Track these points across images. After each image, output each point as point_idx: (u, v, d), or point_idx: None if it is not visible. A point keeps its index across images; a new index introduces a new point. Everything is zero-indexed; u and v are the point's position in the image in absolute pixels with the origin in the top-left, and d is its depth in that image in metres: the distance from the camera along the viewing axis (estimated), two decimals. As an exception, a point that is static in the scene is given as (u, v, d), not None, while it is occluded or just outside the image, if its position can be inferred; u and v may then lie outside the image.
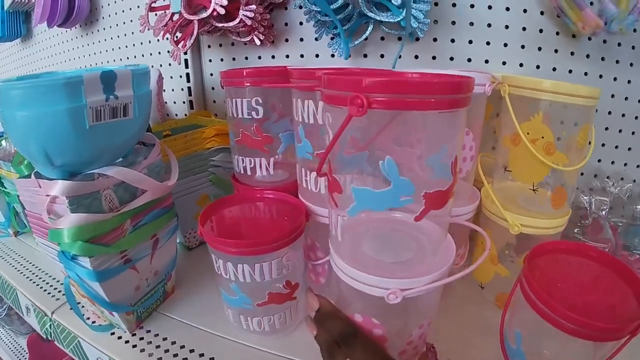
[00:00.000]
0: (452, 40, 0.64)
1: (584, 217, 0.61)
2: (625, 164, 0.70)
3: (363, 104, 0.31)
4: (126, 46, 0.83)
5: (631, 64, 0.65)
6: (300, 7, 0.60)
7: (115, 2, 0.79)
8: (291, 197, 0.52)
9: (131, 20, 0.79)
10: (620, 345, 0.37)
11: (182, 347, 0.51)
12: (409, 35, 0.62)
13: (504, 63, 0.65)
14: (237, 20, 0.61)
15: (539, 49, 0.64)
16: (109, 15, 0.82)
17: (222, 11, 0.57)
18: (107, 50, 0.85)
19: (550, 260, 0.47)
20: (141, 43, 0.80)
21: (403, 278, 0.38)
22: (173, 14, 0.60)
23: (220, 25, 0.61)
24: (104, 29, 0.85)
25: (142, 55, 0.80)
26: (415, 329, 0.43)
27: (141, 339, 0.53)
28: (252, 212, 0.53)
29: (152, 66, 0.77)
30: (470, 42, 0.64)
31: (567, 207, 0.55)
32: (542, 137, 0.50)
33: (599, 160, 0.70)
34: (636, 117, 0.68)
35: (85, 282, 0.48)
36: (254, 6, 0.61)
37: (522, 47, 0.64)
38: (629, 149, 0.69)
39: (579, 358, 0.40)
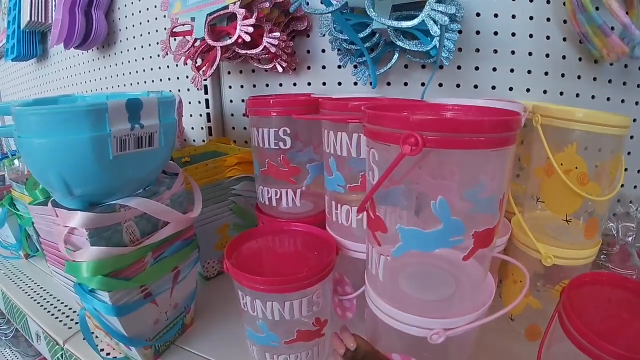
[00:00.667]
0: (477, 68, 0.62)
1: (611, 244, 0.59)
2: (649, 189, 0.68)
3: (418, 143, 0.29)
4: (144, 70, 0.81)
5: (655, 88, 0.64)
6: (324, 35, 0.59)
7: (133, 26, 0.78)
8: (320, 230, 0.49)
9: (149, 45, 0.77)
10: None
11: None
12: (434, 63, 0.60)
13: (528, 90, 0.63)
14: (261, 47, 0.59)
15: (563, 75, 0.63)
16: (127, 39, 0.81)
17: (248, 39, 0.55)
18: (124, 74, 0.83)
19: (589, 292, 0.44)
20: (159, 68, 0.78)
21: (446, 318, 0.36)
22: (196, 40, 0.59)
23: (244, 52, 0.60)
24: (122, 52, 0.83)
25: (160, 80, 0.78)
26: None
27: None
28: (280, 246, 0.50)
29: (170, 91, 0.75)
30: (495, 69, 0.62)
31: (598, 237, 0.53)
32: (576, 168, 0.48)
33: (622, 186, 0.67)
34: (658, 142, 0.66)
35: (103, 316, 0.45)
36: (278, 34, 0.59)
37: (546, 74, 0.62)
38: (653, 174, 0.67)
39: None
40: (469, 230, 0.32)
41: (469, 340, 0.42)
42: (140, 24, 0.76)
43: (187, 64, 0.61)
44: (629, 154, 0.66)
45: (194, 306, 0.57)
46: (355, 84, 0.65)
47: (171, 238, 0.49)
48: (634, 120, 0.65)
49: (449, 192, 0.32)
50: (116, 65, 0.85)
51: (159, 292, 0.49)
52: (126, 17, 0.79)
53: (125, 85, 0.85)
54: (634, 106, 0.64)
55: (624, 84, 0.64)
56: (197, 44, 0.60)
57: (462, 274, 0.40)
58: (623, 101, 0.64)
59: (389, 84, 0.65)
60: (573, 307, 0.38)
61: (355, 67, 0.63)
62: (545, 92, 0.63)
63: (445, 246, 0.32)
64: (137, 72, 0.82)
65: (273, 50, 0.59)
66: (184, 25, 0.60)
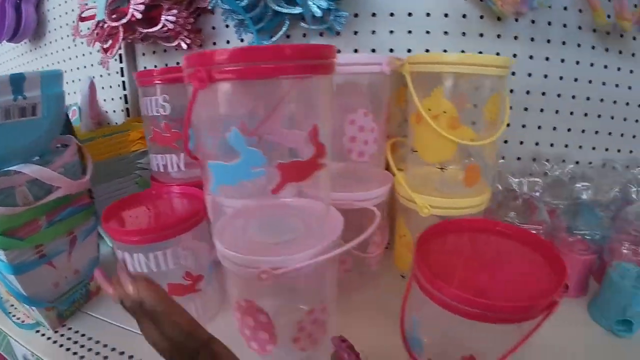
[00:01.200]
0: (373, 32, 0.67)
1: (514, 198, 0.61)
2: (566, 145, 0.70)
3: (203, 78, 0.34)
4: (70, 58, 0.90)
5: (563, 43, 0.67)
6: (212, 7, 0.65)
7: (60, 16, 0.87)
8: (194, 189, 0.54)
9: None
10: (535, 326, 0.35)
11: (105, 345, 0.53)
12: (329, 29, 0.65)
13: (426, 50, 0.67)
14: (160, 25, 0.65)
15: (463, 34, 0.66)
16: (55, 29, 0.90)
17: (139, 15, 0.62)
18: (54, 64, 0.92)
19: (454, 240, 0.46)
20: (83, 54, 0.86)
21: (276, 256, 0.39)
22: (99, 22, 0.66)
23: (145, 30, 0.66)
24: (50, 42, 0.92)
25: (85, 67, 0.87)
26: (305, 315, 0.44)
27: (62, 335, 0.57)
28: (157, 207, 0.56)
29: (82, 77, 0.82)
30: (392, 32, 0.67)
31: (485, 186, 0.56)
32: (445, 112, 0.51)
33: (537, 144, 0.71)
34: (573, 97, 0.69)
35: (4, 275, 0.52)
36: (175, 10, 0.65)
37: (445, 33, 0.66)
38: (569, 129, 0.70)
39: (486, 342, 0.37)
40: (270, 160, 0.36)
41: (317, 284, 0.45)
42: (66, 13, 0.85)
43: (94, 46, 0.68)
44: (541, 110, 0.69)
45: (99, 274, 0.63)
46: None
47: (64, 203, 0.56)
48: (545, 76, 0.68)
49: (287, 136, 0.37)
50: (46, 55, 0.94)
51: (54, 254, 0.56)
52: (54, 8, 0.88)
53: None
54: (544, 61, 0.67)
55: (532, 39, 0.67)
56: (105, 26, 0.67)
57: (306, 217, 0.44)
58: (531, 57, 0.67)
59: (287, 52, 0.70)
60: (430, 255, 0.39)
61: (255, 38, 0.69)
62: (445, 51, 0.67)
63: (247, 177, 0.37)
64: (64, 60, 0.91)
65: (171, 26, 0.65)
66: (90, 9, 0.68)
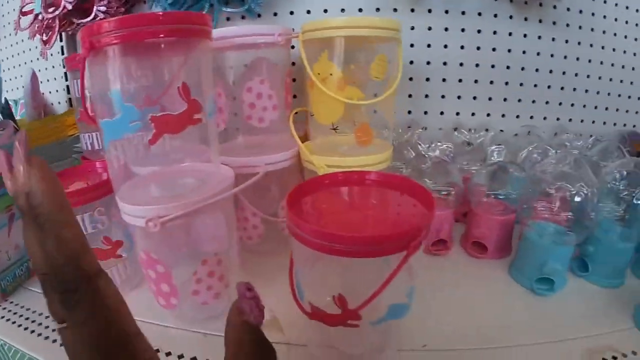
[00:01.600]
0: (292, 13, 0.77)
1: (422, 162, 0.69)
2: (488, 115, 0.78)
3: (87, 46, 0.44)
4: (17, 54, 1.03)
5: (479, 14, 0.76)
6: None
7: (8, 12, 1.00)
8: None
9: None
10: (402, 260, 0.37)
11: (46, 317, 0.61)
12: (249, 12, 0.76)
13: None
14: (92, 15, 0.77)
15: (377, 9, 0.76)
16: (3, 27, 1.03)
17: (70, 7, 0.73)
18: (3, 60, 1.04)
19: (329, 192, 0.51)
20: (29, 49, 0.99)
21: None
22: (37, 15, 0.77)
23: (79, 21, 0.78)
24: (4, 37, 1.05)
25: (31, 61, 0.99)
26: (199, 265, 0.52)
27: (4, 308, 0.66)
28: (80, 179, 0.66)
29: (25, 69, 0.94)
30: (309, 12, 0.77)
31: (384, 146, 0.64)
32: (331, 75, 0.60)
33: (458, 114, 0.79)
34: (492, 66, 0.77)
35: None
36: (106, 1, 0.77)
37: (360, 10, 0.76)
38: (490, 98, 0.78)
39: (357, 281, 0.41)
40: (143, 114, 0.46)
41: (209, 234, 0.54)
42: (14, 10, 0.98)
43: (34, 39, 0.80)
44: (460, 80, 0.78)
45: (38, 251, 0.74)
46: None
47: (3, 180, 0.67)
48: (462, 47, 0.77)
49: (127, 81, 0.47)
50: (2, 49, 1.07)
51: (-6, 230, 0.66)
52: (2, 5, 1.01)
53: (9, 69, 1.06)
54: (460, 32, 0.76)
55: (446, 12, 0.76)
56: (42, 19, 0.79)
57: (197, 174, 0.54)
58: (447, 29, 0.76)
59: (213, 36, 0.80)
60: (294, 203, 0.44)
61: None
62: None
63: (128, 131, 0.47)
64: (12, 56, 1.04)
65: (103, 17, 0.76)
66: (30, 3, 0.80)
